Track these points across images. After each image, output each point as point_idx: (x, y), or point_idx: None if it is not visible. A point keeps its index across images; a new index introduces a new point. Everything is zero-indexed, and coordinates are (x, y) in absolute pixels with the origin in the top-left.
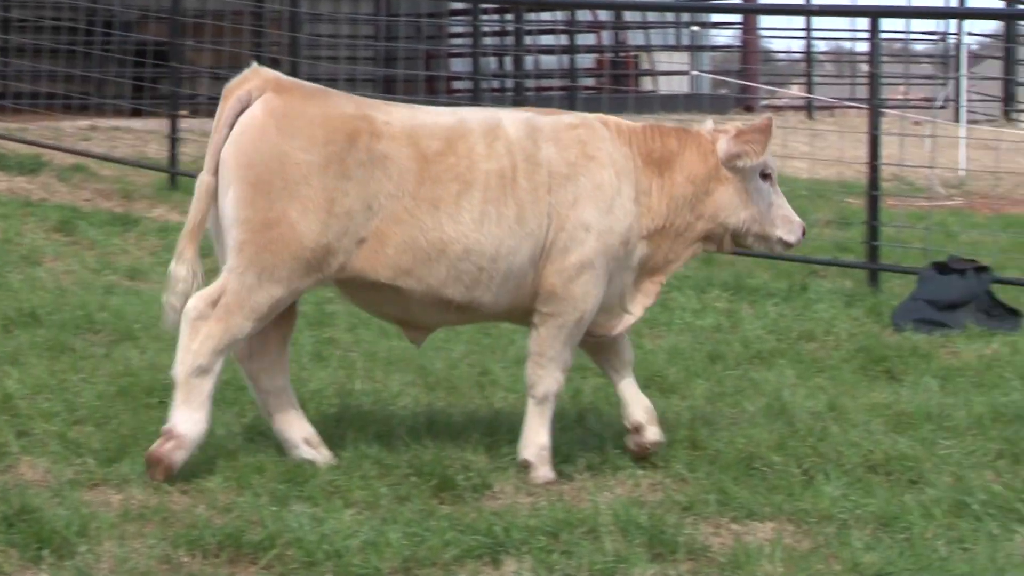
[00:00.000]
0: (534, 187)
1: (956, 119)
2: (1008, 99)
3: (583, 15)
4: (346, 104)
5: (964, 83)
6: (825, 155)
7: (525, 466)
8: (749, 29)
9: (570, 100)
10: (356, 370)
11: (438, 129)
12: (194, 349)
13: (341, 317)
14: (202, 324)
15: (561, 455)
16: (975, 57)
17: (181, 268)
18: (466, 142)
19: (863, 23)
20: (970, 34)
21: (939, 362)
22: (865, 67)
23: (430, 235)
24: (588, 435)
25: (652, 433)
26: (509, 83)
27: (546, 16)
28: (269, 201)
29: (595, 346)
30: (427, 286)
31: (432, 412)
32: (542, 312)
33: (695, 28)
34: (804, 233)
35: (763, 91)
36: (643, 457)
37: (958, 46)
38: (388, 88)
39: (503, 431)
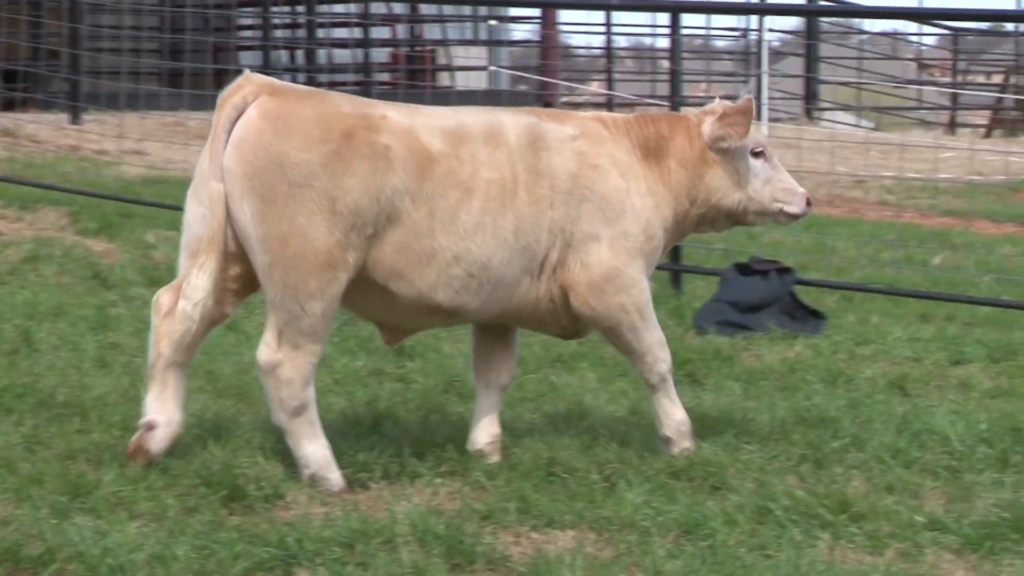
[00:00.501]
0: (535, 200)
1: (758, 117)
2: (810, 97)
3: (377, 8)
4: (341, 103)
5: (766, 80)
6: None
7: (667, 442)
8: (548, 24)
9: (364, 96)
10: (141, 376)
11: (438, 130)
12: (283, 397)
13: (126, 321)
14: (280, 371)
15: (356, 464)
16: (776, 54)
17: (202, 279)
18: (468, 147)
19: (664, 19)
20: (771, 30)
21: (742, 365)
22: (666, 63)
23: (423, 240)
24: (385, 442)
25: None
26: (301, 78)
27: (339, 8)
28: (278, 212)
29: (487, 353)
30: (417, 291)
31: (221, 419)
32: (603, 328)
33: (493, 22)
34: (809, 203)
35: (563, 87)
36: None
37: (759, 43)
38: (174, 82)
39: None
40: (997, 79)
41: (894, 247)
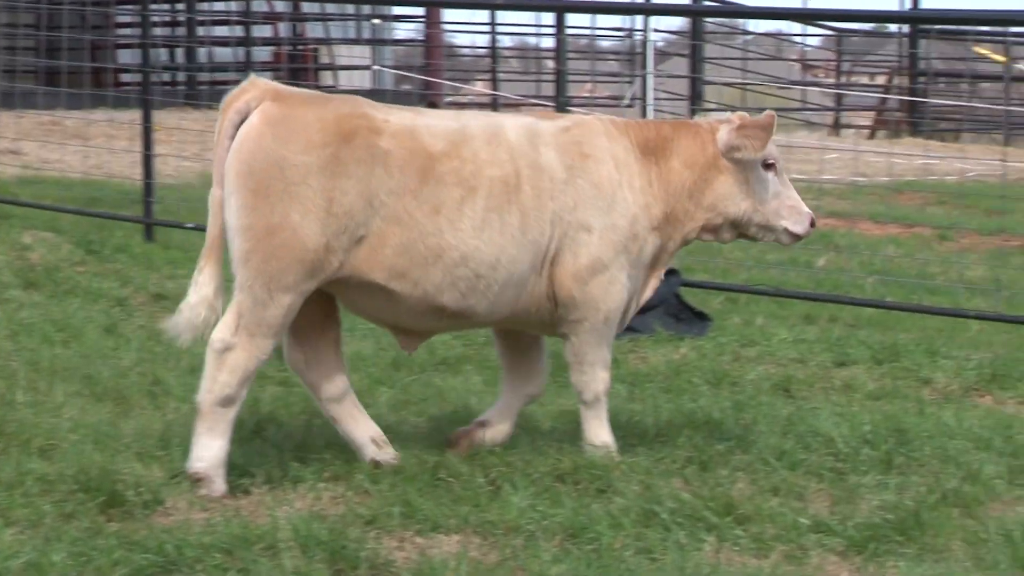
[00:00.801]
0: (538, 194)
1: (644, 117)
2: (695, 97)
3: (259, 6)
4: (343, 105)
5: (651, 81)
6: None
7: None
8: (432, 23)
9: None
10: (17, 380)
11: (440, 131)
12: (222, 380)
13: (1, 323)
14: (228, 355)
15: (238, 469)
16: (661, 54)
17: (204, 288)
18: (470, 146)
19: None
20: (656, 31)
21: (627, 368)
22: (551, 63)
23: (429, 240)
24: (267, 447)
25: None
26: (181, 76)
27: (220, 6)
28: (270, 205)
29: (515, 366)
30: (422, 291)
31: (100, 424)
32: (568, 320)
33: (376, 21)
34: (813, 224)
35: (447, 87)
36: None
37: (644, 43)
38: (51, 80)
39: (176, 443)
40: (881, 80)
41: (779, 248)
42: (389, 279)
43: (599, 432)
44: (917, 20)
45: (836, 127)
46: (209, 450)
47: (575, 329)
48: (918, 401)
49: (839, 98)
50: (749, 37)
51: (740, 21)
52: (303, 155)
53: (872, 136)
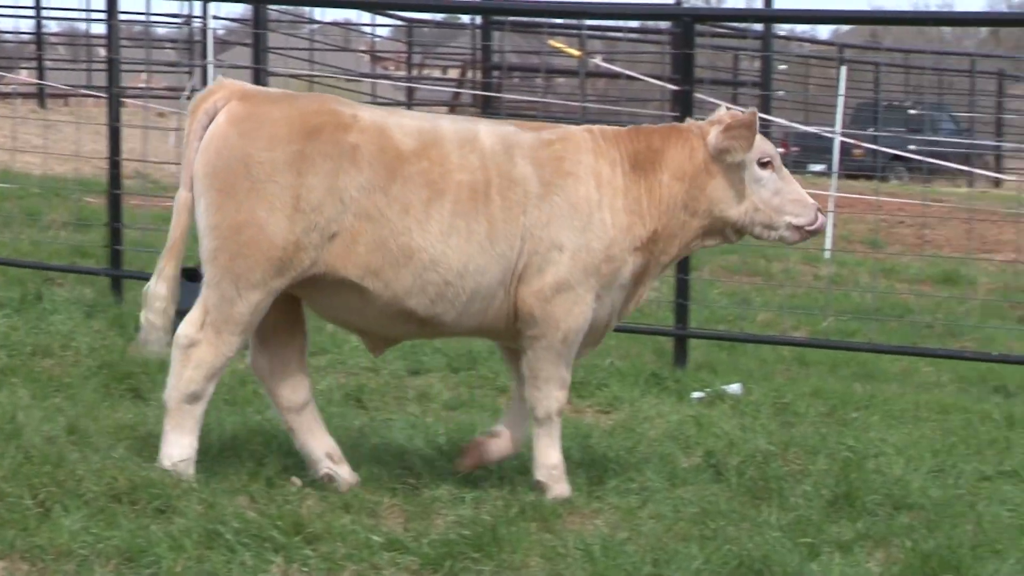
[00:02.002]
0: (508, 206)
1: None
2: None
3: None
4: (309, 103)
5: (212, 71)
6: (60, 148)
7: (539, 488)
8: None
9: None
10: None
11: (411, 130)
12: (186, 376)
13: None
14: (193, 351)
15: None
16: (222, 43)
17: (161, 286)
18: (439, 148)
19: (99, 3)
20: (216, 18)
21: None
22: (103, 51)
23: (399, 239)
24: None
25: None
26: None
27: None
28: (237, 203)
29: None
30: (392, 292)
31: None
32: (527, 335)
33: None
34: (821, 214)
35: None
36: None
37: (204, 31)
38: None
39: None
40: (453, 73)
41: None
42: (362, 276)
43: (548, 452)
44: (489, 11)
45: None
46: (177, 447)
47: (532, 345)
48: (495, 411)
49: (410, 91)
50: (316, 26)
51: (306, 9)
52: (268, 151)
53: None
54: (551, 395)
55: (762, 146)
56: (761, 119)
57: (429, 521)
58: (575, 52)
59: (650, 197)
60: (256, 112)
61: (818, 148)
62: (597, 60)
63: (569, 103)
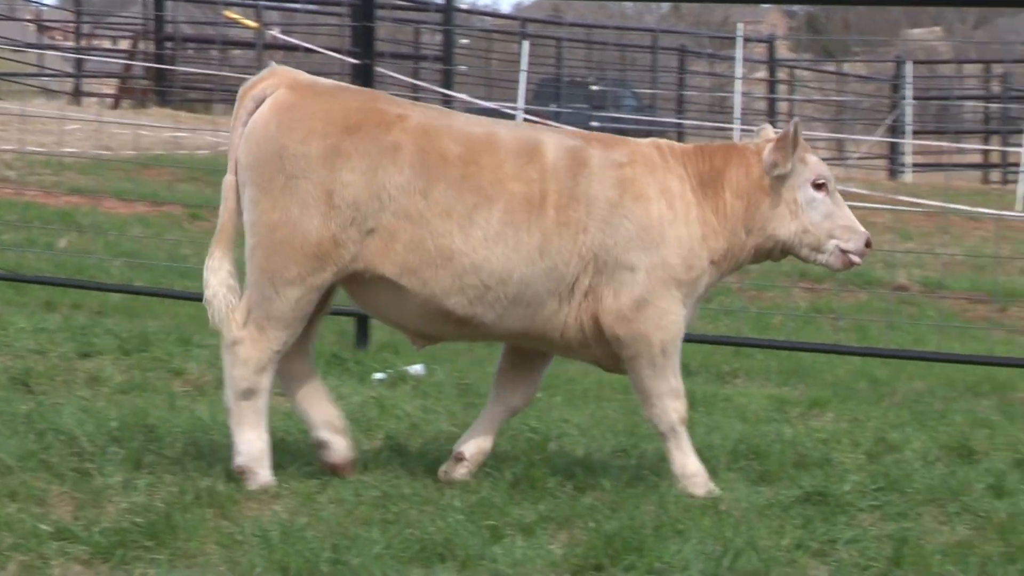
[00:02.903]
0: (566, 222)
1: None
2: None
3: None
4: (355, 98)
5: None
6: None
7: (687, 494)
8: None
9: None
10: None
11: (463, 136)
12: (236, 375)
13: None
14: (239, 348)
15: None
16: None
17: (217, 273)
18: (493, 156)
19: None
20: None
21: None
22: None
23: (438, 241)
24: None
25: (466, 474)
26: None
27: None
28: (272, 200)
29: (509, 371)
30: (430, 291)
31: None
32: (625, 358)
33: None
34: (869, 245)
35: None
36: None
37: None
38: None
39: None
40: (125, 45)
41: (16, 228)
42: (400, 275)
43: (684, 462)
44: None
45: (77, 95)
46: (246, 444)
47: (632, 365)
48: (169, 394)
49: (79, 63)
50: None
51: None
52: (302, 145)
53: (116, 106)
54: (667, 408)
55: (817, 167)
56: (442, 94)
57: (101, 509)
58: (252, 23)
59: (718, 215)
60: (298, 103)
61: None
62: (275, 32)
63: (245, 76)
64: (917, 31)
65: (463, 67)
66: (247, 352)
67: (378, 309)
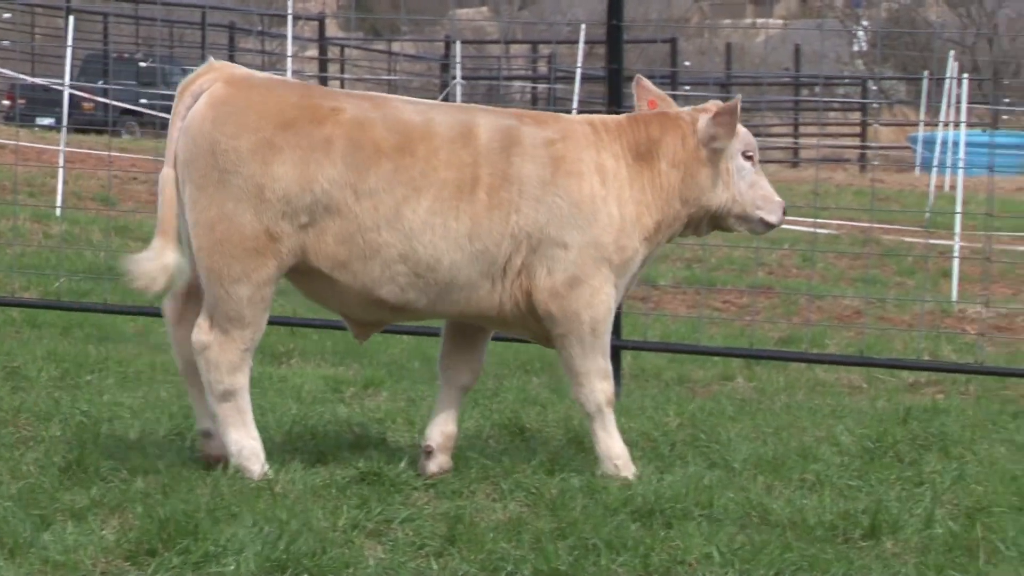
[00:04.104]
0: (497, 203)
1: None
2: None
3: None
4: (291, 92)
5: None
6: None
7: (606, 477)
8: None
9: None
10: None
11: (399, 125)
12: (212, 380)
13: None
14: (209, 353)
15: None
16: None
17: (152, 263)
18: (428, 144)
19: None
20: None
21: None
22: None
23: (367, 235)
24: None
25: (443, 461)
26: None
27: None
28: (209, 198)
29: (452, 351)
30: (361, 283)
31: None
32: (555, 335)
33: None
34: (784, 213)
35: None
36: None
37: None
38: None
39: None
40: None
41: None
42: (332, 268)
43: (609, 444)
44: None
45: None
46: (235, 444)
47: (563, 343)
48: None
49: None
50: None
51: None
52: (233, 139)
53: None
54: (595, 388)
55: (747, 138)
56: None
57: None
58: None
59: (652, 187)
60: (232, 98)
61: (46, 101)
62: None
63: None
64: (465, 11)
65: (6, 42)
66: (217, 356)
67: (319, 298)
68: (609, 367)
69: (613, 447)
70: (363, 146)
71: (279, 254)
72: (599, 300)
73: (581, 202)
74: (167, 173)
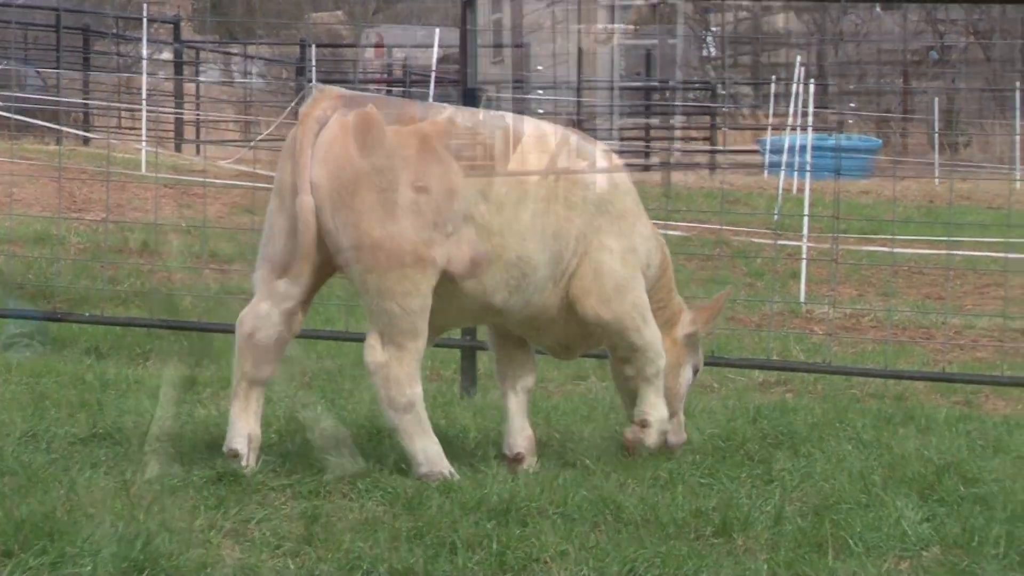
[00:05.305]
0: (570, 207)
1: None
2: None
3: None
4: (411, 109)
5: None
6: None
7: (643, 425)
8: None
9: None
10: None
11: (500, 132)
12: (392, 395)
13: None
14: (388, 371)
15: None
16: None
17: (295, 288)
18: (522, 150)
19: None
20: None
21: None
22: None
23: (493, 239)
24: None
25: (532, 462)
26: None
27: None
28: (368, 219)
29: (509, 359)
30: (482, 289)
31: None
32: (613, 334)
33: None
34: None
35: None
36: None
37: None
38: None
39: None
40: None
41: None
42: (463, 276)
43: (659, 404)
44: None
45: None
46: (422, 452)
47: (621, 337)
48: None
49: None
50: None
51: None
52: (386, 159)
53: None
54: (658, 352)
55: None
56: None
57: None
58: None
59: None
60: (366, 121)
61: None
62: None
63: None
64: (320, 15)
65: None
66: (396, 371)
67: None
68: (660, 334)
69: (661, 408)
70: (483, 154)
71: (435, 264)
72: (639, 291)
73: (625, 212)
74: (307, 201)
